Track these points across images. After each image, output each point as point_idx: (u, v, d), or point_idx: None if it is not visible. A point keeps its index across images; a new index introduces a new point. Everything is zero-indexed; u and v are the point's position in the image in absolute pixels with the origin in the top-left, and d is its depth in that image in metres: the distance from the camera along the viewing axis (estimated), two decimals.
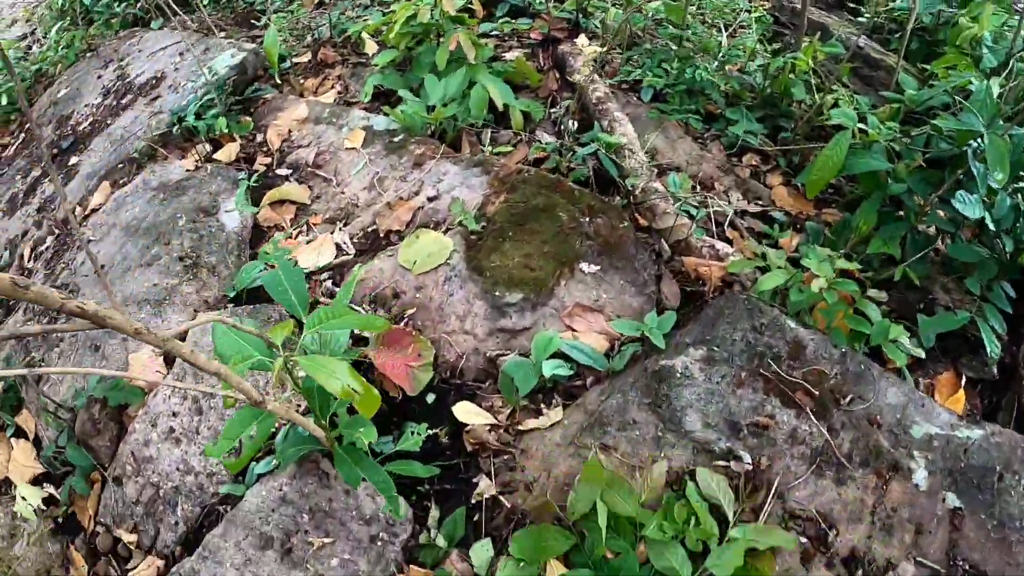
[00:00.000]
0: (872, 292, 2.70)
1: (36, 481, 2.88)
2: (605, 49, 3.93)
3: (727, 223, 3.29)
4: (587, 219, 2.77)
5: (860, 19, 4.54)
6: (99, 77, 4.29)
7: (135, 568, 2.61)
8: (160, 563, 2.57)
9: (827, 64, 3.97)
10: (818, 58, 3.56)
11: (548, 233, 2.71)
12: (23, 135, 4.33)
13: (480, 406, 2.48)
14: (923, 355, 2.58)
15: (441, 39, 3.47)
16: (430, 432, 2.38)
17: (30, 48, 5.02)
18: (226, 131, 3.49)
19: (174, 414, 2.67)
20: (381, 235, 2.91)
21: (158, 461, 2.63)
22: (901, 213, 2.87)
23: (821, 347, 2.30)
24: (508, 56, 4.05)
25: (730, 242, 3.20)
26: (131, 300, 2.86)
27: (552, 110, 3.71)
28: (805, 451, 2.10)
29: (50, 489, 2.84)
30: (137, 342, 2.84)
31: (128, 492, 2.67)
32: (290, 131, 3.50)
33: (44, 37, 4.84)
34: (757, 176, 3.59)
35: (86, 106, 4.14)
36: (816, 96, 3.61)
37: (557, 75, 3.86)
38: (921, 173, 2.84)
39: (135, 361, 2.80)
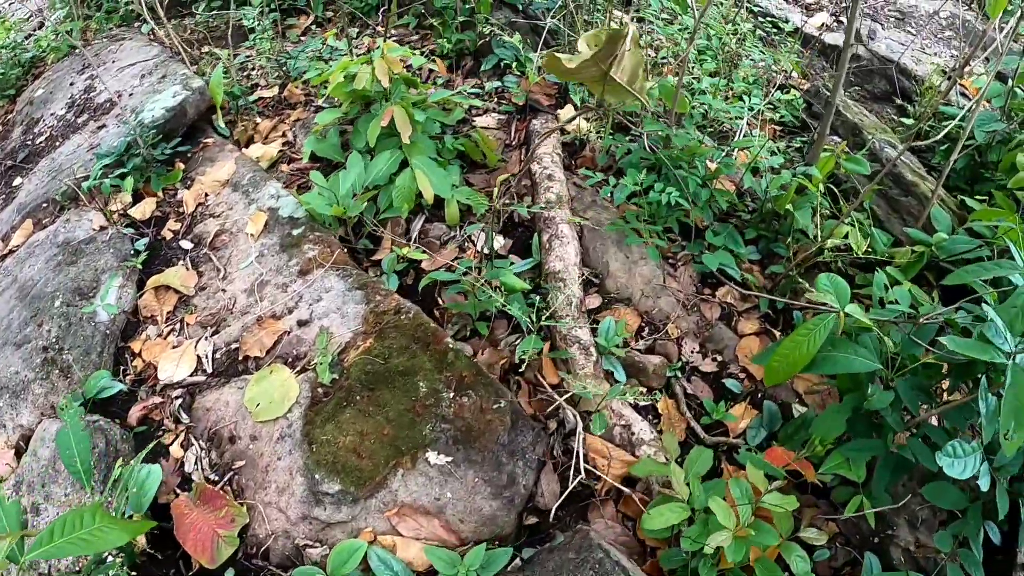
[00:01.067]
0: (809, 533, 2.26)
1: None
2: (586, 129, 3.44)
3: (663, 387, 2.85)
4: (451, 395, 2.43)
5: (905, 120, 3.75)
6: (72, 84, 4.26)
7: None
8: None
9: (850, 176, 3.33)
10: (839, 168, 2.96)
11: (397, 408, 2.41)
12: (1, 127, 4.38)
13: None
14: None
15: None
16: None
17: (42, 26, 5.04)
18: (139, 188, 3.34)
19: None
20: (241, 357, 2.70)
21: None
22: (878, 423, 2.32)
23: None
24: (480, 121, 3.64)
25: (658, 416, 2.76)
26: None
27: (504, 201, 3.30)
28: None
29: None
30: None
31: None
32: (207, 195, 3.31)
33: (50, 19, 4.83)
34: (729, 317, 3.08)
35: (51, 115, 4.12)
36: (823, 226, 3.03)
37: (523, 155, 3.43)
38: (918, 378, 2.25)
39: None
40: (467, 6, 4.12)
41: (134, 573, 2.30)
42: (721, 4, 4.51)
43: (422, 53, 4.24)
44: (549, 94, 3.67)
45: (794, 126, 3.82)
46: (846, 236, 2.93)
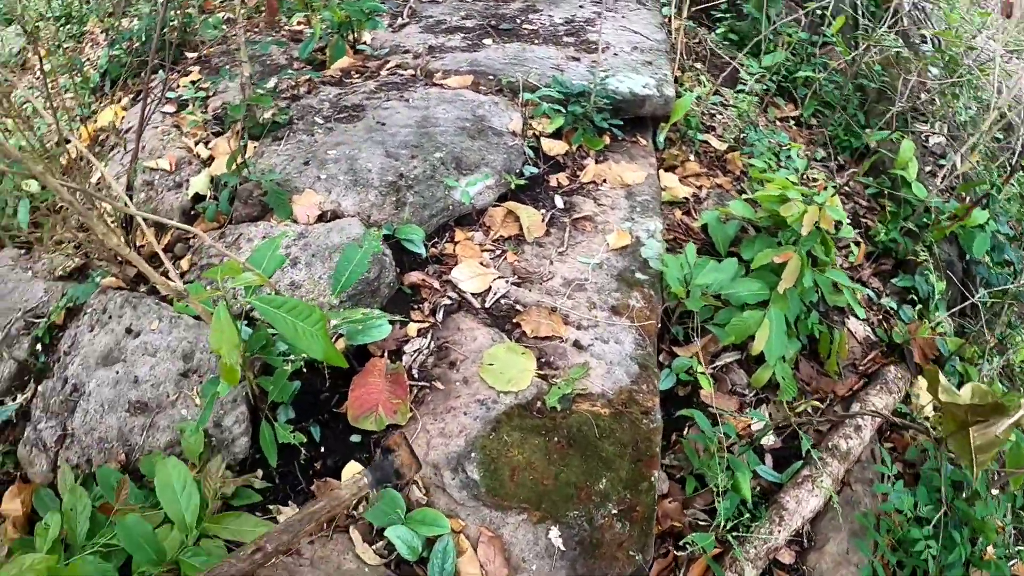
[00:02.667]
0: None
1: None
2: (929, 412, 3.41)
3: None
4: (613, 512, 2.62)
5: None
6: (581, 6, 4.90)
7: None
8: None
9: None
10: None
11: (570, 477, 2.66)
12: None
13: None
14: None
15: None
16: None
17: None
18: (563, 129, 3.85)
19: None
20: (514, 320, 3.06)
21: None
22: None
23: None
24: (852, 324, 3.78)
25: None
26: (349, 164, 3.45)
27: (792, 417, 3.36)
28: None
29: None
30: (326, 187, 3.44)
31: None
32: (604, 180, 3.73)
33: None
34: None
35: (548, 16, 4.94)
36: None
37: (857, 385, 3.49)
38: None
39: (307, 197, 3.40)
40: (924, 219, 4.28)
41: (306, 370, 2.79)
42: None
43: (862, 221, 4.41)
44: (927, 356, 3.66)
45: None
46: None
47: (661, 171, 4.06)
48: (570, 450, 2.73)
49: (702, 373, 3.20)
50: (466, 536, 2.57)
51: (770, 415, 3.31)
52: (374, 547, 2.61)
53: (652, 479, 2.75)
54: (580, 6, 5.07)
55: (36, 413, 3.00)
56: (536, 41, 4.54)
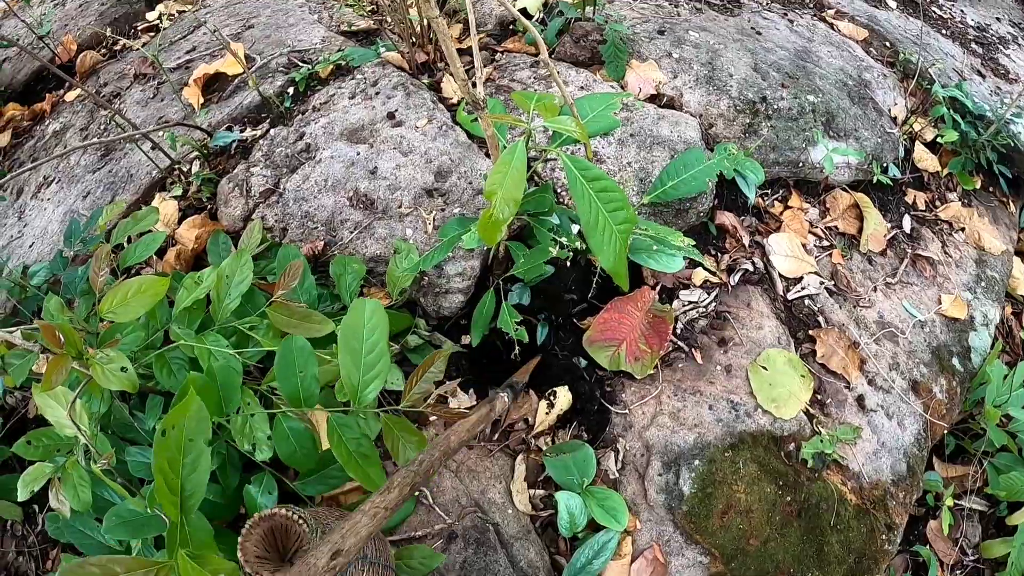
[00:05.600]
0: None
1: None
2: None
3: None
4: None
5: None
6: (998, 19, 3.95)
7: None
8: None
9: None
10: None
11: (778, 551, 2.06)
12: None
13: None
14: None
15: None
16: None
17: None
18: None
19: None
20: (810, 334, 2.40)
21: None
22: None
23: None
24: None
25: None
26: (710, 57, 2.79)
27: None
28: None
29: None
30: (673, 68, 2.82)
31: None
32: (962, 228, 2.93)
33: None
34: None
35: None
36: None
37: None
38: None
39: (647, 69, 2.80)
40: None
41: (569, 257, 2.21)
42: None
43: None
44: None
45: None
46: None
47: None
48: (796, 522, 2.11)
49: (948, 508, 2.56)
50: (633, 541, 2.06)
51: None
52: (532, 492, 2.12)
53: None
54: (997, 18, 4.12)
55: (256, 155, 2.61)
56: (943, 32, 3.68)
